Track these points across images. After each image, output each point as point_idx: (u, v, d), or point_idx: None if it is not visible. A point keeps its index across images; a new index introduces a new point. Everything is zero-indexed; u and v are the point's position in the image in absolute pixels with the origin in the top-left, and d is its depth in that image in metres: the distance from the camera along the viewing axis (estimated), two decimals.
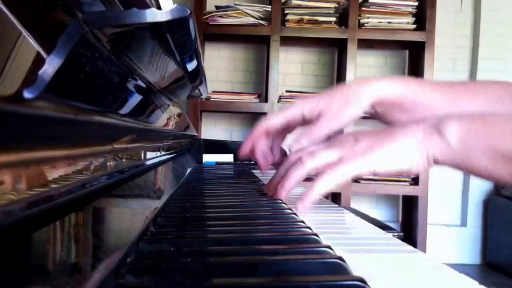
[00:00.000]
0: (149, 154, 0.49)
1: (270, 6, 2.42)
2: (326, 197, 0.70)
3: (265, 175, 0.81)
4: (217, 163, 1.21)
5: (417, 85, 0.61)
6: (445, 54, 2.73)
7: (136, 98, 0.44)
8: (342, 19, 2.49)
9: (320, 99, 0.63)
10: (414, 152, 0.50)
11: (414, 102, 0.60)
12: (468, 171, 0.49)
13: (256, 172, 1.03)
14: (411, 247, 0.40)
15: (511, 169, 0.45)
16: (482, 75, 2.71)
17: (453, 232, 2.75)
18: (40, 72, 0.20)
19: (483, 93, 0.58)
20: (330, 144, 0.56)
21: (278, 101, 2.45)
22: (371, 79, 0.63)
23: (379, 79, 0.63)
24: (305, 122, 0.63)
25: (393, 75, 2.76)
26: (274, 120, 0.64)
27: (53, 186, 0.20)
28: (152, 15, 0.32)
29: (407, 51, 2.72)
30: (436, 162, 0.50)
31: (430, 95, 0.60)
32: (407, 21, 2.45)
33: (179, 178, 0.74)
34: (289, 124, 0.64)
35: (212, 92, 2.48)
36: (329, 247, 0.32)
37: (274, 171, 0.66)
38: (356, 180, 2.41)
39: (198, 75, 0.70)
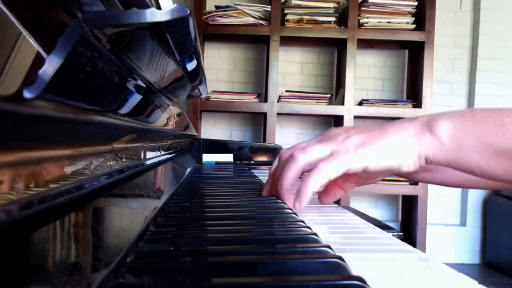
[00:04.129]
0: (149, 154, 0.49)
1: (269, 6, 2.42)
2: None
3: (265, 175, 0.81)
4: (217, 163, 1.21)
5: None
6: (445, 53, 2.73)
7: (136, 98, 0.44)
8: (342, 19, 2.49)
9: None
10: (406, 149, 0.49)
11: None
12: (460, 168, 0.48)
13: (255, 171, 1.03)
14: (410, 247, 0.40)
15: (503, 164, 0.45)
16: (481, 75, 2.72)
17: (453, 231, 2.75)
18: (40, 72, 0.20)
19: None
20: (321, 139, 0.56)
21: (278, 101, 2.45)
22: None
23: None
24: None
25: (392, 75, 2.76)
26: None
27: (53, 186, 0.20)
28: (152, 15, 0.33)
29: (407, 50, 2.72)
30: (428, 160, 0.49)
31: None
32: (406, 21, 2.45)
33: (179, 177, 0.74)
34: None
35: (211, 92, 2.48)
36: (328, 246, 0.32)
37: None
38: None
39: (198, 75, 0.70)
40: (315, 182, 0.51)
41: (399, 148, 0.50)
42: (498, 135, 0.45)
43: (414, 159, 0.49)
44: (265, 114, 2.45)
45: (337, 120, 2.59)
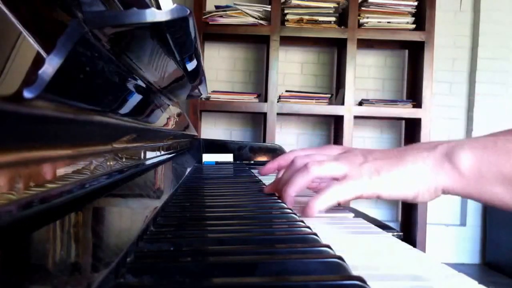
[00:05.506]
0: (149, 154, 0.49)
1: (269, 6, 2.42)
2: None
3: (265, 176, 0.81)
4: (217, 163, 1.21)
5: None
6: (445, 53, 2.73)
7: (136, 98, 0.44)
8: (342, 19, 2.49)
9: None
10: (422, 181, 0.48)
11: None
12: (482, 200, 0.47)
13: (255, 171, 1.03)
14: (410, 247, 0.40)
15: None
16: (481, 75, 2.72)
17: (453, 231, 2.75)
18: (40, 72, 0.20)
19: None
20: (338, 157, 0.55)
21: (278, 101, 2.45)
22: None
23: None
24: None
25: (392, 75, 2.76)
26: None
27: (53, 186, 0.20)
28: (152, 15, 0.33)
29: (407, 50, 2.72)
30: (446, 192, 0.48)
31: None
32: (406, 21, 2.45)
33: (179, 177, 0.74)
34: None
35: (211, 92, 2.48)
36: (328, 246, 0.32)
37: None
38: None
39: (198, 75, 0.70)
40: (324, 202, 0.51)
41: (415, 180, 0.48)
42: None
43: (430, 192, 0.48)
44: (265, 114, 2.45)
45: (337, 120, 2.59)
